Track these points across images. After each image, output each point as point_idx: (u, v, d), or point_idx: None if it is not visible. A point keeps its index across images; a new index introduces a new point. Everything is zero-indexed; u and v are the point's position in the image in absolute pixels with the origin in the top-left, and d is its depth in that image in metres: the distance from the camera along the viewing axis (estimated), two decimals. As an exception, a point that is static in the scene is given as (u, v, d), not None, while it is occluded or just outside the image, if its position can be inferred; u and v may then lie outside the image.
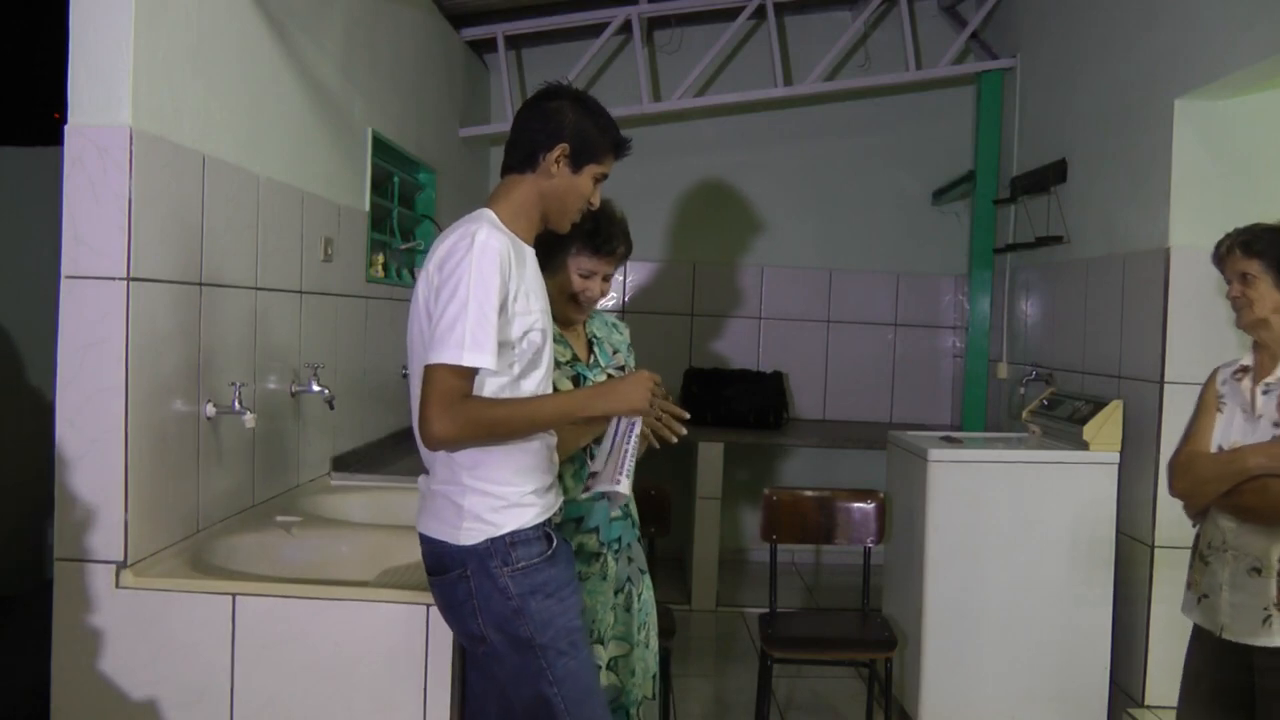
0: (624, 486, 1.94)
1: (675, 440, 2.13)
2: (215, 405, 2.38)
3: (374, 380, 3.59)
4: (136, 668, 2.02)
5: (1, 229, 4.23)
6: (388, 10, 3.68)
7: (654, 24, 5.12)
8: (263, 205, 2.64)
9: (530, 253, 1.95)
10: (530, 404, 1.92)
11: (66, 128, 2.05)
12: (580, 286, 2.25)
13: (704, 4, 4.79)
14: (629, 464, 1.95)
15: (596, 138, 1.99)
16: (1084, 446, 3.36)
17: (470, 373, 1.81)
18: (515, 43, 5.14)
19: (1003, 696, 3.37)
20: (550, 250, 2.20)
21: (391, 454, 3.60)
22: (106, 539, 2.04)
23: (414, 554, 2.32)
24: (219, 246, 2.41)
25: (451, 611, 1.94)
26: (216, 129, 2.41)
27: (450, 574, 1.90)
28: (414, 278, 4.08)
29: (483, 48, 5.01)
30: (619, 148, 2.02)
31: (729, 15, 4.79)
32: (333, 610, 2.02)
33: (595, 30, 4.77)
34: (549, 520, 1.95)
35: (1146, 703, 3.25)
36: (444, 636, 2.01)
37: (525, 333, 1.88)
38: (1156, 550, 3.25)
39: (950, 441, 3.63)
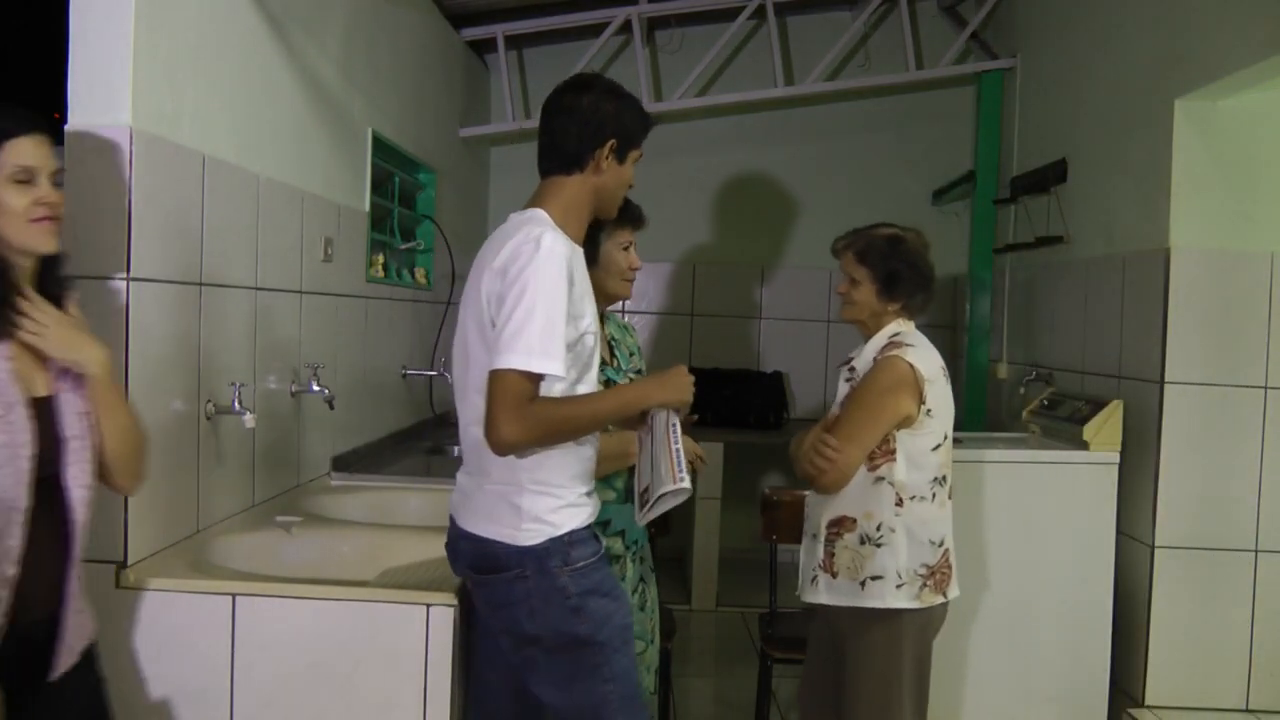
0: (687, 482, 1.92)
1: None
2: (215, 405, 2.38)
3: (374, 380, 3.59)
4: (136, 668, 2.02)
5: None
6: (388, 10, 3.68)
7: (654, 24, 5.12)
8: (263, 205, 2.64)
9: (582, 255, 1.95)
10: (592, 400, 1.93)
11: (66, 128, 2.05)
12: (627, 260, 2.32)
13: (704, 4, 4.79)
14: (682, 459, 1.94)
15: (635, 124, 2.00)
16: (1084, 446, 3.36)
17: (538, 378, 1.80)
18: (515, 43, 5.14)
19: (1003, 696, 3.37)
20: (590, 242, 2.20)
21: (391, 454, 3.60)
22: (106, 539, 2.03)
23: (414, 554, 2.32)
24: (219, 246, 2.41)
25: (502, 611, 1.92)
26: (216, 129, 2.41)
27: (505, 574, 1.89)
28: (414, 278, 4.09)
29: (483, 48, 5.00)
30: (649, 126, 2.04)
31: (729, 15, 4.78)
32: (333, 610, 2.02)
33: (595, 30, 4.78)
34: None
35: (1146, 703, 3.25)
36: (444, 636, 2.01)
37: (581, 335, 1.88)
38: (1156, 550, 3.25)
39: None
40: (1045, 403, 3.82)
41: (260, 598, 2.02)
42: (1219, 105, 3.20)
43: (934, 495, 2.43)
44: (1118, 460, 3.35)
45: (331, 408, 2.92)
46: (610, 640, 1.92)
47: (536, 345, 1.78)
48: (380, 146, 3.58)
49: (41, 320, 1.60)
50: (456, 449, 3.92)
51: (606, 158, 1.96)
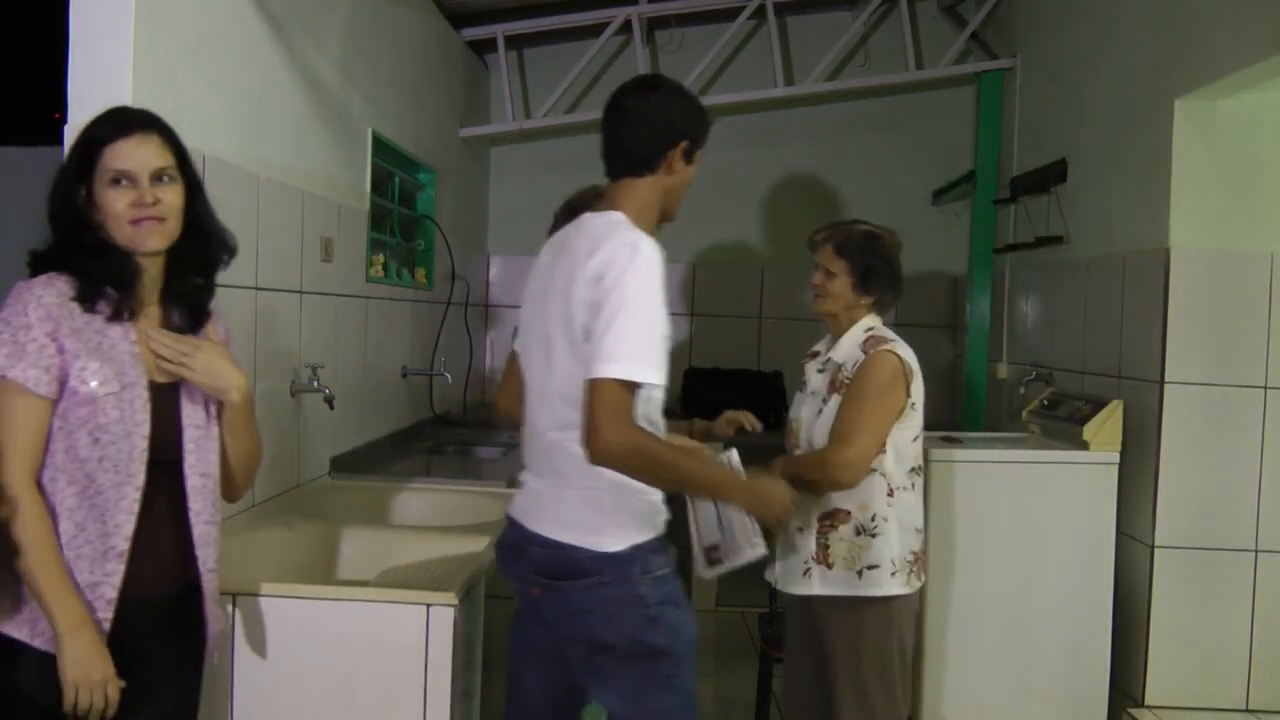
0: (763, 547, 1.99)
1: None
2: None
3: (374, 380, 3.59)
4: (136, 668, 2.02)
5: (1, 229, 4.23)
6: (388, 10, 3.68)
7: (654, 24, 5.12)
8: (263, 205, 2.64)
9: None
10: (687, 461, 1.93)
11: (66, 128, 2.05)
12: None
13: (704, 4, 4.79)
14: (754, 523, 1.99)
15: (702, 124, 2.00)
16: (1084, 446, 3.36)
17: (638, 387, 1.78)
18: (515, 43, 5.14)
19: (1003, 696, 3.37)
20: None
21: (391, 454, 3.60)
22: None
23: (414, 554, 2.32)
24: (219, 246, 2.41)
25: (576, 618, 1.89)
26: (216, 128, 2.41)
27: (582, 580, 1.86)
28: (414, 278, 4.09)
29: (483, 48, 5.00)
30: (711, 124, 2.04)
31: (729, 15, 4.78)
32: (333, 610, 2.02)
33: (595, 30, 4.77)
34: None
35: (1146, 703, 3.25)
36: (444, 636, 2.01)
37: (664, 339, 1.88)
38: (1156, 550, 3.25)
39: (950, 441, 3.63)
40: (1045, 403, 3.81)
41: (260, 597, 2.02)
42: (1219, 105, 3.20)
43: (914, 484, 2.54)
44: (1118, 460, 3.35)
45: (331, 408, 2.92)
46: (683, 652, 1.91)
47: (639, 354, 1.76)
48: (380, 146, 3.58)
49: (187, 349, 1.68)
50: (450, 448, 3.95)
51: (678, 159, 1.95)
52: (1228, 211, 3.23)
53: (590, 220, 1.95)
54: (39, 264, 1.66)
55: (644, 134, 1.94)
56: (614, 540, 1.86)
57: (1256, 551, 3.26)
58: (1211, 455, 3.24)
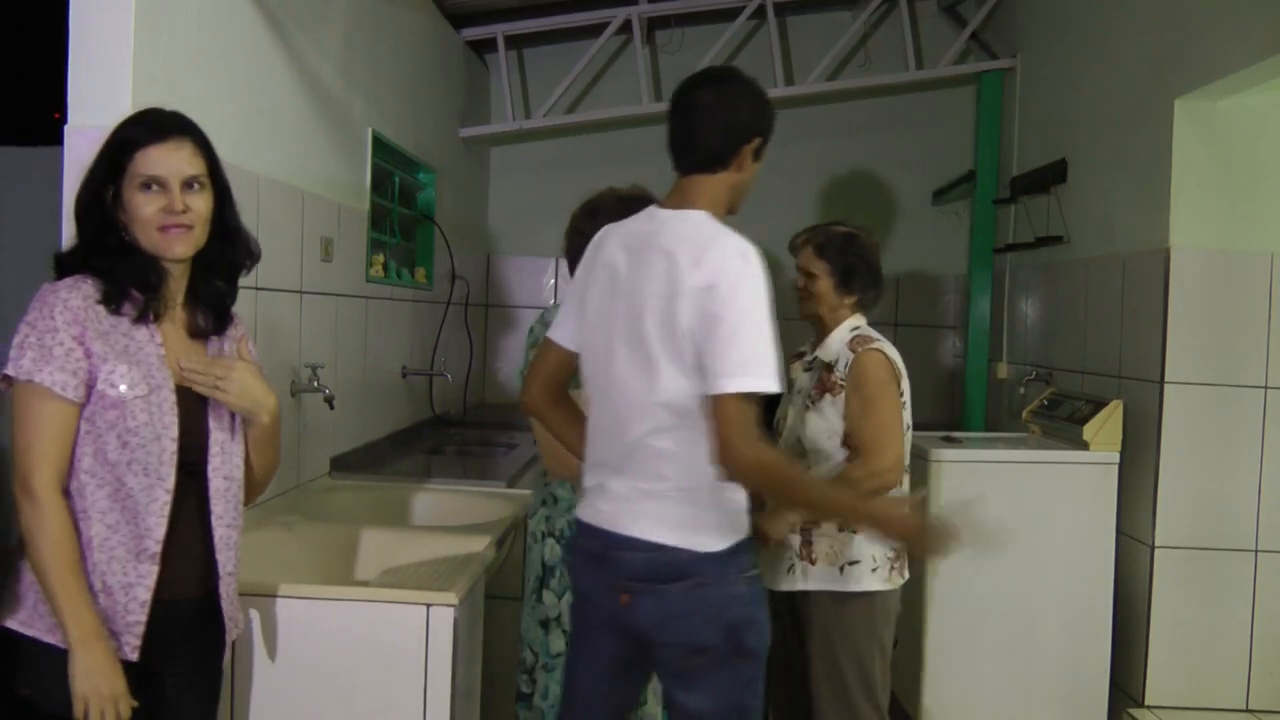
0: None
1: None
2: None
3: (374, 380, 3.59)
4: (136, 668, 2.02)
5: (1, 229, 4.23)
6: (388, 10, 3.68)
7: (654, 24, 5.12)
8: (263, 205, 2.64)
9: None
10: (816, 482, 1.99)
11: (66, 128, 2.05)
12: None
13: (704, 4, 4.79)
14: None
15: (771, 120, 1.96)
16: (1084, 446, 3.36)
17: (760, 398, 1.77)
18: (515, 43, 5.14)
19: (1003, 696, 3.37)
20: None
21: (391, 454, 3.60)
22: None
23: (414, 554, 2.32)
24: (219, 246, 2.41)
25: (677, 622, 1.86)
26: (216, 129, 2.38)
27: (682, 582, 1.84)
28: (414, 277, 4.09)
29: (483, 48, 5.00)
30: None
31: (729, 15, 4.78)
32: (333, 610, 2.02)
33: (595, 30, 4.77)
34: None
35: (1146, 703, 3.25)
36: (444, 636, 2.01)
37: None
38: (1156, 550, 3.25)
39: (950, 441, 3.63)
40: (1045, 403, 3.82)
41: (260, 598, 2.02)
42: (1219, 105, 3.20)
43: (901, 481, 2.54)
44: (1118, 460, 3.35)
45: (331, 408, 2.92)
46: (764, 655, 1.91)
47: (761, 365, 1.74)
48: (380, 146, 3.58)
49: (220, 372, 1.67)
50: (450, 448, 3.95)
51: (749, 156, 1.92)
52: (1228, 211, 3.23)
53: (674, 220, 1.89)
54: (64, 265, 1.65)
55: (717, 130, 1.90)
56: (714, 540, 1.84)
57: (1256, 551, 3.26)
58: (1211, 455, 3.24)
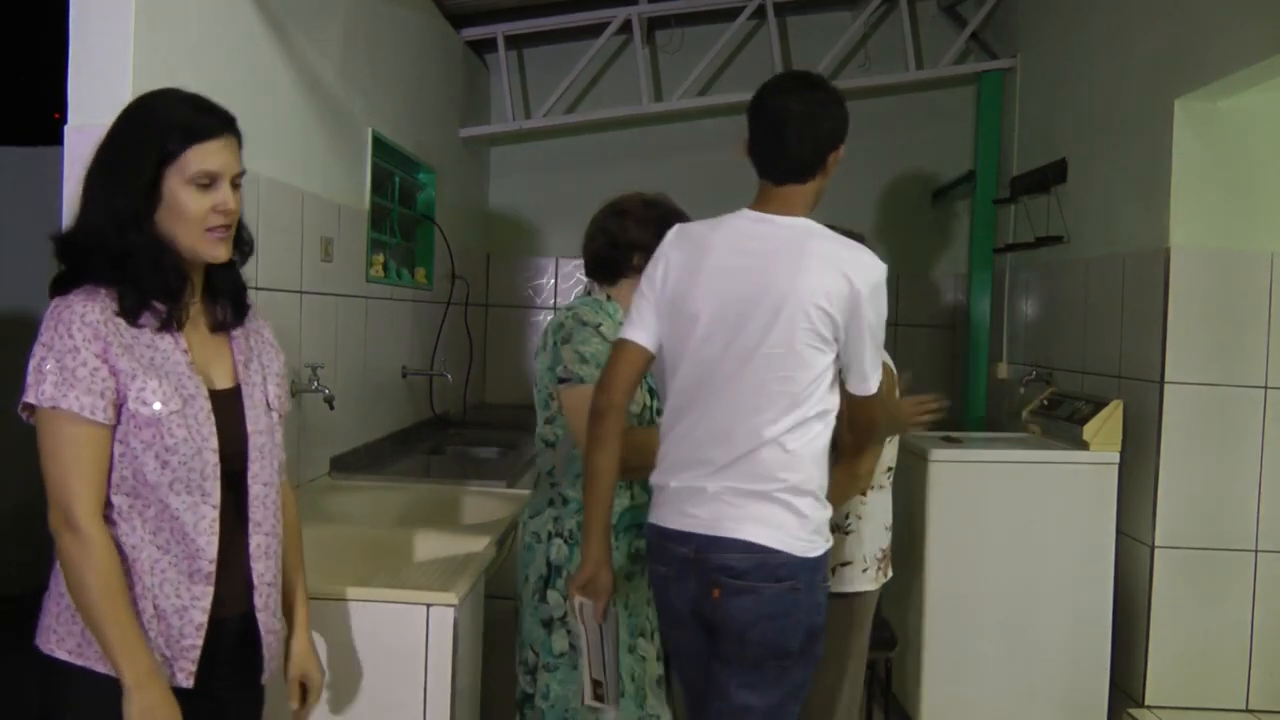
0: (612, 713, 2.02)
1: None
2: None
3: (374, 380, 3.59)
4: (136, 668, 2.02)
5: (1, 229, 4.23)
6: (388, 10, 3.68)
7: (654, 24, 5.12)
8: (262, 205, 2.64)
9: None
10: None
11: (66, 128, 2.05)
12: None
13: (704, 4, 4.79)
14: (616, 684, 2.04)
15: (848, 124, 1.99)
16: (1084, 446, 3.36)
17: None
18: (515, 43, 5.14)
19: (1003, 696, 3.37)
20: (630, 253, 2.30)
21: (391, 454, 3.60)
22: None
23: (414, 554, 2.32)
24: (219, 246, 2.41)
25: (772, 623, 1.88)
26: (216, 129, 2.40)
27: (781, 584, 1.87)
28: (414, 277, 4.09)
29: (483, 48, 5.00)
30: None
31: (729, 15, 4.78)
32: (333, 610, 2.02)
33: (595, 30, 4.77)
34: None
35: (1146, 703, 3.25)
36: (444, 636, 2.01)
37: None
38: (1156, 550, 3.25)
39: (950, 441, 3.63)
40: (1045, 403, 3.82)
41: (260, 598, 2.02)
42: (1219, 105, 3.20)
43: (887, 483, 2.60)
44: (1118, 460, 3.35)
45: (331, 408, 2.92)
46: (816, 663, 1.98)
47: (879, 368, 1.97)
48: (380, 146, 3.58)
49: (313, 699, 1.73)
50: (450, 448, 3.95)
51: (834, 162, 1.97)
52: (1228, 211, 3.23)
53: (799, 228, 1.96)
54: (69, 253, 1.52)
55: (808, 141, 1.93)
56: (811, 546, 1.89)
57: (1256, 551, 3.26)
58: (1211, 455, 3.24)
